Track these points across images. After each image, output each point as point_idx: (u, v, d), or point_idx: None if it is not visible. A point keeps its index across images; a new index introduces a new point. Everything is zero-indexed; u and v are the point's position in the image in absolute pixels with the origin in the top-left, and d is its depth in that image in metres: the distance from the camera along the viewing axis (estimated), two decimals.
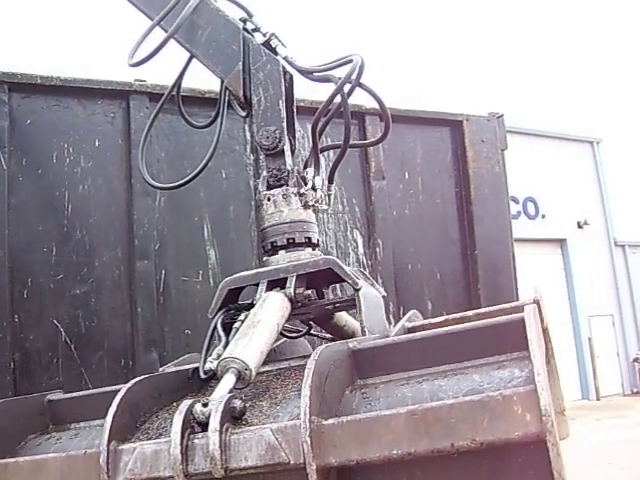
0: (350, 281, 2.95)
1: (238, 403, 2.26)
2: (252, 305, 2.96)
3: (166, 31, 3.45)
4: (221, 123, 3.88)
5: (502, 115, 6.10)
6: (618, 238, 24.57)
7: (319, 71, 3.41)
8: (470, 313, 3.24)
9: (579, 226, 23.31)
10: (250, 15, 3.57)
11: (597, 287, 23.31)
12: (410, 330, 3.18)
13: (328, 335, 3.53)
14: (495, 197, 5.90)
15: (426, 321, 3.36)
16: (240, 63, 3.37)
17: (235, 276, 3.18)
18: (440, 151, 5.81)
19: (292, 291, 2.94)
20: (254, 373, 2.48)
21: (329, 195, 3.47)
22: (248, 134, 4.95)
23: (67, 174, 4.53)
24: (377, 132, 5.25)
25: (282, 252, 3.18)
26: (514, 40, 23.55)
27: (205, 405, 2.22)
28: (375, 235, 5.31)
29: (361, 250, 5.26)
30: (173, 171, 4.75)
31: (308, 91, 3.80)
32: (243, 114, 3.62)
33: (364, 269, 5.23)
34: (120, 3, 3.71)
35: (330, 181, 3.52)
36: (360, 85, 3.31)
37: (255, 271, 3.15)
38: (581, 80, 24.01)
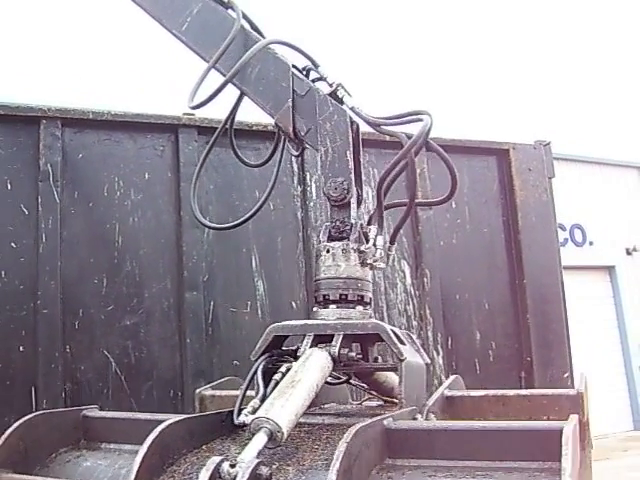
0: (396, 351, 2.92)
1: (265, 470, 2.26)
2: (296, 354, 2.96)
3: (223, 74, 3.50)
4: (279, 162, 3.92)
5: (549, 143, 6.05)
6: None
7: (387, 124, 3.39)
8: (511, 392, 3.25)
9: (628, 253, 22.88)
10: (316, 65, 3.56)
11: None
12: (448, 399, 3.20)
13: (366, 385, 3.50)
14: (543, 225, 5.84)
15: (465, 392, 3.35)
16: (290, 100, 3.39)
17: (283, 324, 3.14)
18: (487, 180, 5.78)
19: (337, 351, 2.91)
20: (285, 436, 2.48)
21: (388, 255, 3.41)
22: (295, 166, 5.00)
23: (117, 207, 4.62)
24: (423, 164, 5.27)
25: (333, 307, 3.14)
26: (559, 66, 23.41)
27: (233, 466, 2.22)
28: (422, 265, 5.28)
29: (409, 280, 5.24)
30: (221, 203, 4.81)
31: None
32: (296, 154, 3.63)
33: (412, 299, 5.22)
34: (172, 41, 3.78)
35: (392, 242, 3.48)
36: (427, 145, 3.28)
37: (303, 322, 3.12)
38: (628, 105, 23.73)
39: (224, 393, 3.65)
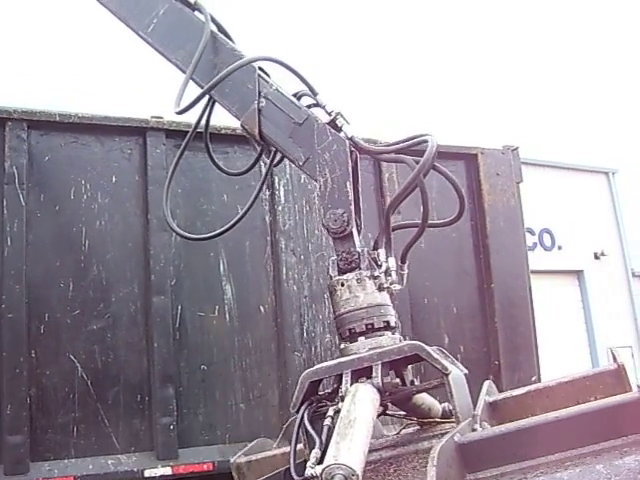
0: (439, 366, 2.83)
1: None
2: (337, 395, 2.87)
3: (200, 86, 3.52)
4: (265, 176, 3.90)
5: (517, 148, 6.09)
6: (636, 269, 24.32)
7: (388, 152, 3.37)
8: (552, 382, 3.15)
9: (596, 257, 23.11)
10: (315, 93, 3.50)
11: (615, 318, 23.08)
12: (491, 405, 3.09)
13: (402, 412, 3.37)
14: (511, 230, 5.88)
15: (507, 394, 3.25)
16: (255, 102, 3.38)
17: (316, 368, 3.03)
18: None
19: (380, 381, 2.83)
20: (360, 478, 2.39)
21: (402, 275, 3.36)
22: (264, 169, 4.96)
23: (84, 210, 4.57)
24: (392, 168, 5.28)
25: (361, 338, 3.05)
26: (527, 72, 23.62)
27: None
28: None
29: None
30: (189, 207, 4.79)
31: None
32: (274, 163, 3.62)
33: None
34: (139, 45, 3.76)
35: (403, 261, 3.42)
36: (434, 167, 3.22)
37: (337, 361, 3.00)
38: (596, 111, 24.00)
39: (260, 456, 3.55)
